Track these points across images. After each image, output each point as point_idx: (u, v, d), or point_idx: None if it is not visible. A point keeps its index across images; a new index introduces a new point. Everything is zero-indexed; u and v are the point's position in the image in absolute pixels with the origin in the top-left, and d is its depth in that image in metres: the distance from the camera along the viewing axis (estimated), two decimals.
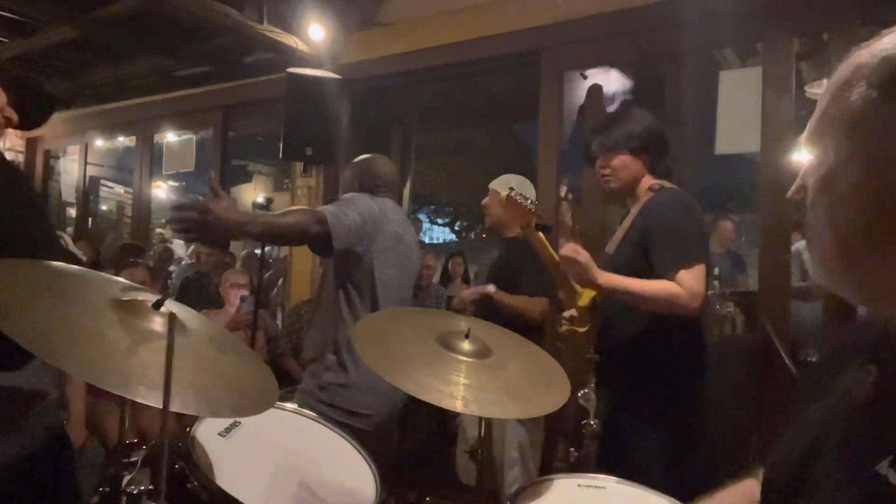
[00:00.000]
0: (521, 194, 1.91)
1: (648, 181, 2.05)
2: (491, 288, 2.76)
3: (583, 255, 1.87)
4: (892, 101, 0.60)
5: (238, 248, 7.19)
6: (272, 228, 1.89)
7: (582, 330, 2.00)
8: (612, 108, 3.64)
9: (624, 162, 2.04)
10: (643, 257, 1.93)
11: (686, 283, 1.82)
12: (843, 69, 0.66)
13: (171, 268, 7.02)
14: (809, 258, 0.69)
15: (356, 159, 2.42)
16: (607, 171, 2.08)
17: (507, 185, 2.88)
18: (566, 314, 2.02)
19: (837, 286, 0.66)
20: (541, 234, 1.93)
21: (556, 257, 1.94)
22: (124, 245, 5.06)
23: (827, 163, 0.65)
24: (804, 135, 0.69)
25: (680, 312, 1.83)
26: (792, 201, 0.70)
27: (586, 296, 1.98)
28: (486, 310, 2.76)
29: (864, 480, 0.58)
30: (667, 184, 2.04)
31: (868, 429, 0.62)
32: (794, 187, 0.71)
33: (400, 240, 2.25)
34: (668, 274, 1.85)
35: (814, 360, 2.90)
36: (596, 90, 3.69)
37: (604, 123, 2.14)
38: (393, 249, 2.21)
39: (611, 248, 2.11)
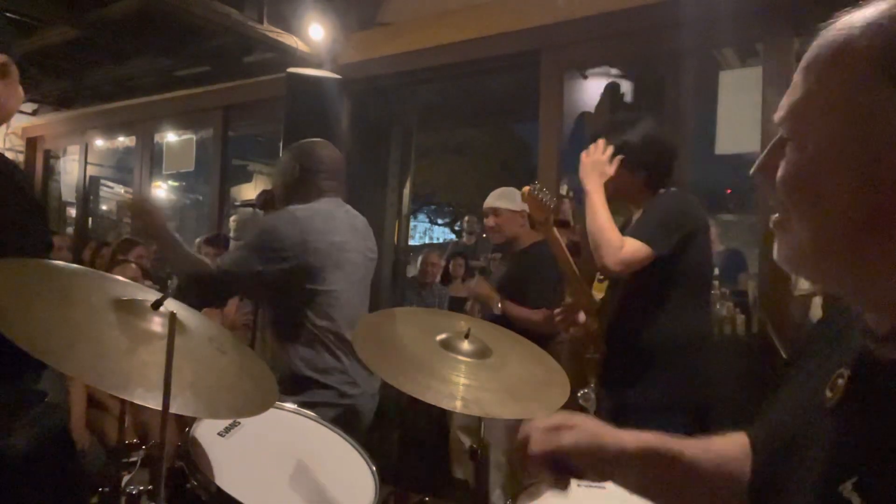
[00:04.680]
0: (542, 189, 1.93)
1: (645, 194, 2.04)
2: (497, 308, 2.73)
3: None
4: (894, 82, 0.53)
5: None
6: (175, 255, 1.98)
7: (594, 328, 2.03)
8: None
9: (622, 177, 2.00)
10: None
11: (627, 248, 1.87)
12: (829, 45, 0.58)
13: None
14: (777, 245, 0.62)
15: (297, 143, 2.25)
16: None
17: (501, 198, 2.86)
18: (568, 308, 2.06)
19: (807, 275, 0.63)
20: (557, 232, 1.96)
21: (570, 256, 1.97)
22: (124, 240, 5.04)
23: (808, 152, 0.58)
24: (779, 115, 0.62)
25: (600, 263, 1.90)
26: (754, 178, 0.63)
27: (598, 290, 2.03)
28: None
29: (827, 500, 0.55)
30: (671, 189, 2.05)
31: (833, 444, 0.58)
32: (758, 163, 0.63)
33: (342, 248, 2.06)
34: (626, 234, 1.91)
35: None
36: (612, 88, 3.70)
37: (611, 130, 2.08)
38: (334, 264, 2.03)
39: None
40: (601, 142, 1.99)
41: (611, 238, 1.89)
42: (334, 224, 2.07)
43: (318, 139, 2.24)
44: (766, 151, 0.63)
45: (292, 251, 1.95)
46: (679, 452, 0.80)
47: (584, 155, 2.02)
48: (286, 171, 2.17)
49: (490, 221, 2.88)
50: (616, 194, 2.04)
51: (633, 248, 1.88)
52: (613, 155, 1.99)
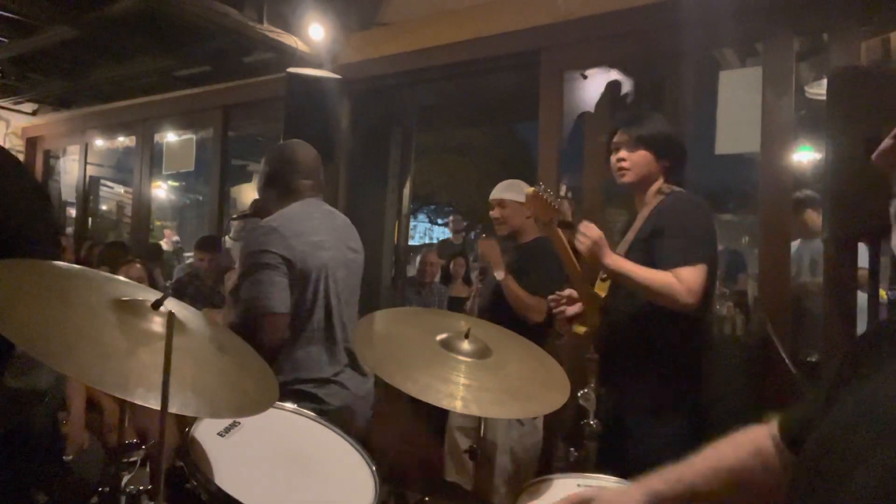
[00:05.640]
0: (547, 191, 1.93)
1: (659, 185, 2.07)
2: (500, 274, 2.73)
3: (596, 232, 1.91)
4: None
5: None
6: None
7: (594, 327, 2.02)
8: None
9: (647, 159, 2.05)
10: (652, 259, 1.93)
11: (684, 279, 1.83)
12: None
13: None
14: None
15: (271, 147, 2.21)
16: (626, 164, 2.06)
17: (507, 190, 2.88)
18: (568, 306, 2.06)
19: None
20: (561, 232, 1.96)
21: (573, 255, 1.97)
22: (111, 243, 5.08)
23: None
24: None
25: (676, 307, 1.84)
26: (877, 164, 0.63)
27: (601, 289, 2.03)
28: (495, 305, 2.76)
29: None
30: (677, 188, 2.06)
31: None
32: (884, 147, 0.65)
33: (321, 247, 2.02)
34: (669, 269, 1.86)
35: (814, 360, 2.90)
36: (614, 86, 3.71)
37: (634, 118, 2.14)
38: (316, 265, 1.99)
39: (621, 250, 2.11)
40: (588, 224, 1.95)
41: (664, 282, 1.84)
42: (311, 224, 2.04)
43: (294, 140, 2.22)
44: (892, 136, 0.65)
45: (286, 252, 1.92)
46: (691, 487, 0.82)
47: (583, 235, 1.94)
48: (261, 176, 2.16)
49: (496, 213, 2.88)
50: (639, 178, 2.06)
51: (692, 277, 1.83)
52: (641, 140, 2.03)
